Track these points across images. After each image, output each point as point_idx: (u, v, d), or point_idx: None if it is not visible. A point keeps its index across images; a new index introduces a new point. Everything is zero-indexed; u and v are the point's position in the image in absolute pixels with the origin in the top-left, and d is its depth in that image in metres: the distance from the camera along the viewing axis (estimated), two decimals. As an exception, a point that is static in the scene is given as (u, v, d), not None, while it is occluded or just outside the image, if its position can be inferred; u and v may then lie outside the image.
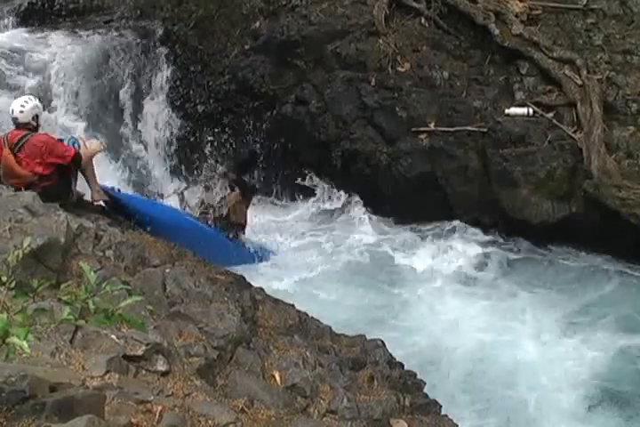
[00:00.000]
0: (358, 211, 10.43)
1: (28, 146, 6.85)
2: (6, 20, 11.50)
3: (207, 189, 9.52)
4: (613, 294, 9.02)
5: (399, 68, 10.43)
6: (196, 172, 10.89)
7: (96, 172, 7.55)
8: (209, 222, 8.94)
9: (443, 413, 6.01)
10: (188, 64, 11.24)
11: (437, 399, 6.11)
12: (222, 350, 4.98)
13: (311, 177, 10.71)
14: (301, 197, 10.88)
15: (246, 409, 4.50)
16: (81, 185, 7.44)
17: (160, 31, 11.42)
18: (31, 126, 6.99)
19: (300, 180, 10.77)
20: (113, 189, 7.90)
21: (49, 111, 9.83)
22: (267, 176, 10.99)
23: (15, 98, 7.57)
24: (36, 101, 7.15)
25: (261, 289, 6.83)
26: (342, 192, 10.60)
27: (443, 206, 10.09)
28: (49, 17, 11.74)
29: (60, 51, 10.69)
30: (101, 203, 7.65)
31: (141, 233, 7.15)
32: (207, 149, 10.93)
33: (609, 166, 9.30)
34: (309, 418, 4.83)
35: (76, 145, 7.35)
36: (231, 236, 9.03)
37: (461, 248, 9.77)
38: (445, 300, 8.91)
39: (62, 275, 5.01)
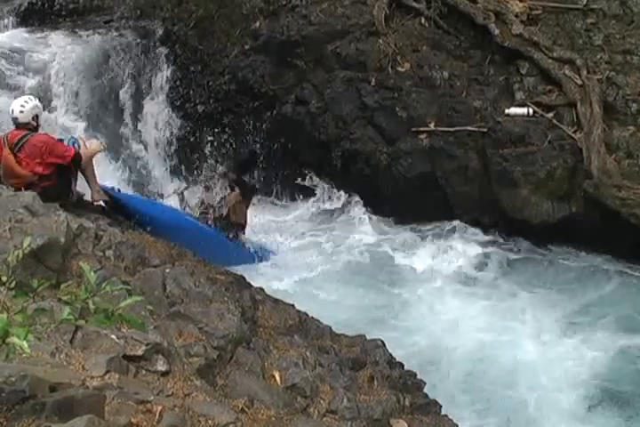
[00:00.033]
0: (358, 211, 10.42)
1: (28, 146, 6.85)
2: (6, 20, 11.49)
3: (207, 189, 9.52)
4: (613, 293, 9.02)
5: (399, 68, 10.43)
6: (196, 172, 10.88)
7: (96, 172, 7.55)
8: (209, 222, 8.94)
9: (443, 413, 6.01)
10: (187, 64, 11.24)
11: (437, 399, 6.11)
12: (222, 350, 4.98)
13: (311, 177, 10.71)
14: (301, 196, 10.87)
15: (246, 409, 4.50)
16: (81, 185, 7.44)
17: (160, 31, 11.42)
18: (31, 126, 6.99)
19: (299, 180, 10.77)
20: (113, 189, 7.90)
21: (49, 111, 9.83)
22: (267, 176, 10.99)
23: (15, 98, 7.58)
24: (36, 101, 7.15)
25: (261, 289, 6.83)
26: (342, 192, 10.59)
27: (443, 206, 10.08)
28: (49, 17, 11.74)
29: (60, 51, 10.68)
30: (101, 203, 7.65)
31: (141, 233, 7.15)
32: (207, 149, 10.92)
33: (609, 166, 9.30)
34: (309, 418, 4.83)
35: (76, 145, 7.35)
36: (231, 236, 9.04)
37: (461, 248, 9.77)
38: (445, 300, 8.91)
39: (62, 275, 5.01)
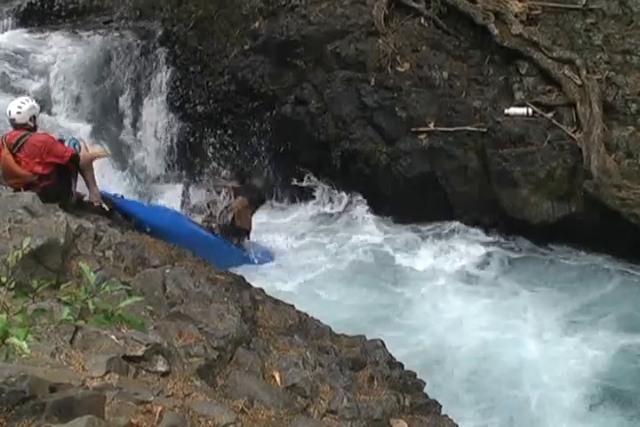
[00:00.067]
0: (360, 210, 10.42)
1: (27, 146, 6.86)
2: (5, 21, 11.49)
3: (211, 193, 9.55)
4: (614, 293, 9.02)
5: (399, 68, 10.42)
6: (198, 174, 10.89)
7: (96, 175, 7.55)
8: (213, 228, 8.93)
9: (446, 412, 6.02)
10: (187, 64, 11.24)
11: (438, 399, 6.12)
12: (222, 350, 4.99)
13: (309, 177, 10.70)
14: (302, 197, 10.86)
15: (246, 409, 4.50)
16: (81, 186, 7.45)
17: (160, 32, 11.41)
18: (29, 127, 7.01)
19: (299, 180, 10.75)
20: (115, 195, 7.88)
21: (49, 113, 9.83)
22: (267, 177, 10.99)
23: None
24: (33, 102, 7.17)
25: (261, 289, 6.84)
26: (343, 193, 10.58)
27: (443, 206, 10.08)
28: (48, 17, 11.73)
29: (61, 51, 10.68)
30: (103, 205, 7.64)
31: (141, 234, 7.15)
32: (209, 151, 10.93)
33: (609, 166, 9.30)
34: (309, 418, 4.83)
35: (76, 146, 7.36)
36: (235, 242, 9.03)
37: (463, 248, 9.77)
38: (448, 298, 8.93)
39: (62, 275, 5.02)
